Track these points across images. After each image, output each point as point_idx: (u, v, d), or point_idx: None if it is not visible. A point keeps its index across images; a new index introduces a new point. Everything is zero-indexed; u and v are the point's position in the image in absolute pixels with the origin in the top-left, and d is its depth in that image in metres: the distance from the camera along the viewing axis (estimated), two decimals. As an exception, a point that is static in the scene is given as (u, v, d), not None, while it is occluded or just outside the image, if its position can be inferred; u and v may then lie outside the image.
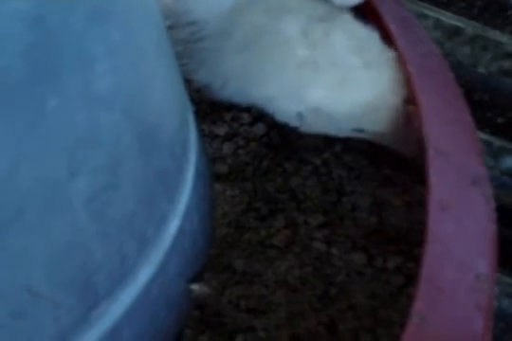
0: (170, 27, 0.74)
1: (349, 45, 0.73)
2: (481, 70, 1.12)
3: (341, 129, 0.76)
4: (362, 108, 0.73)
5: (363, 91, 0.74)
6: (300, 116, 0.75)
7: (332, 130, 0.77)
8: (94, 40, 0.43)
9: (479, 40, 1.14)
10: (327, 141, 0.85)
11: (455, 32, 1.15)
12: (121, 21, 0.47)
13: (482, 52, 1.14)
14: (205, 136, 0.84)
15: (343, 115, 0.74)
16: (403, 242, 0.74)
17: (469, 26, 1.14)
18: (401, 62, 0.75)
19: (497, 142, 1.04)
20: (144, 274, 0.55)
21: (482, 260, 0.60)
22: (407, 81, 0.74)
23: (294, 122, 0.77)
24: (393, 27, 0.79)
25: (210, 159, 0.79)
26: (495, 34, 1.15)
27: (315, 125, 0.76)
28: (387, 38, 0.79)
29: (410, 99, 0.73)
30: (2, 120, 0.37)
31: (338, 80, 0.73)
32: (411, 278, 0.69)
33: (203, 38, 0.76)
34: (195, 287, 0.66)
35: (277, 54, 0.73)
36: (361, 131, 0.76)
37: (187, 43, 0.76)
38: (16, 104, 0.38)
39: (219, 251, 0.74)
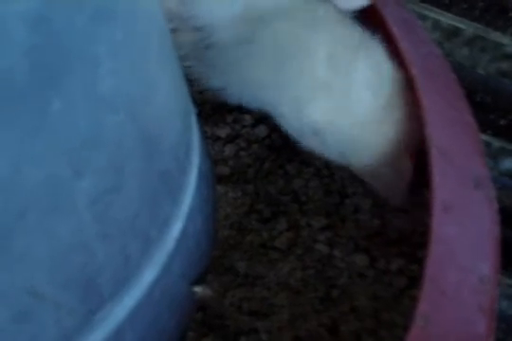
0: (173, 30, 0.74)
1: (368, 80, 0.73)
2: (479, 71, 1.12)
3: (332, 155, 0.77)
4: (354, 142, 0.74)
5: (364, 128, 0.74)
6: (301, 131, 0.76)
7: (327, 154, 0.77)
8: (97, 41, 0.43)
9: (478, 41, 1.14)
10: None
11: (454, 33, 1.15)
12: (125, 22, 0.47)
13: (480, 53, 1.13)
14: (207, 138, 0.84)
15: (336, 142, 0.74)
16: (405, 243, 0.74)
17: (471, 28, 1.14)
18: (404, 64, 0.75)
19: (496, 143, 1.04)
20: (148, 276, 0.55)
21: (485, 262, 0.59)
22: (410, 83, 0.74)
23: (297, 137, 0.77)
24: (395, 30, 0.79)
25: (212, 161, 0.79)
26: (496, 36, 1.15)
27: (313, 144, 0.76)
28: (390, 40, 0.79)
29: (410, 154, 0.73)
30: (5, 122, 0.37)
31: (342, 109, 0.73)
32: (414, 280, 0.69)
33: (213, 44, 0.76)
34: (198, 289, 0.66)
35: (297, 68, 0.73)
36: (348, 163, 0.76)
37: (194, 46, 0.76)
38: (20, 106, 0.38)
39: (221, 253, 0.74)
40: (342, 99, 0.73)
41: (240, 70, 0.76)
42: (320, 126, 0.73)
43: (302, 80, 0.73)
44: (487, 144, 1.03)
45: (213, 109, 0.89)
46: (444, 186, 0.64)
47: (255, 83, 0.76)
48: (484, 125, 1.03)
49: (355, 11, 0.80)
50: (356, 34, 0.76)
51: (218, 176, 0.81)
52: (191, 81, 0.75)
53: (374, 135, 0.73)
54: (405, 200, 0.75)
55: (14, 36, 0.36)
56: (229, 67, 0.76)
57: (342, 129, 0.73)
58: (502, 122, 1.05)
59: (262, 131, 0.87)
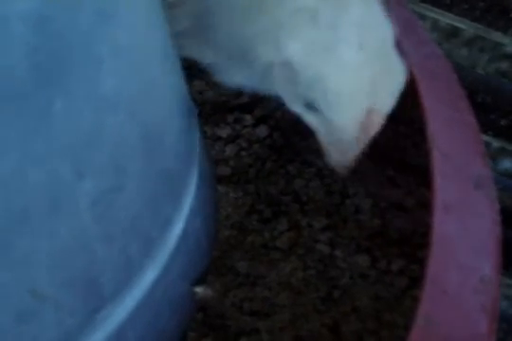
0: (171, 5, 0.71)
1: (360, 20, 0.67)
2: (478, 72, 1.12)
3: (296, 97, 0.69)
4: (326, 84, 0.66)
5: (340, 69, 0.67)
6: (269, 66, 0.69)
7: (287, 95, 0.70)
8: (99, 41, 0.43)
9: (477, 41, 1.14)
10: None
11: (453, 34, 1.15)
12: (126, 22, 0.47)
13: (479, 54, 1.13)
14: (207, 138, 0.84)
15: (307, 80, 0.67)
16: (407, 244, 0.74)
17: (471, 28, 1.14)
18: (406, 64, 0.74)
19: (495, 144, 1.04)
20: (149, 276, 0.55)
21: (486, 262, 0.59)
22: (411, 84, 0.73)
23: (265, 74, 0.70)
24: (396, 30, 0.79)
25: (213, 161, 0.79)
26: (497, 36, 1.15)
27: (278, 83, 0.71)
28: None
29: (369, 110, 0.66)
30: (8, 122, 0.37)
31: (324, 44, 0.66)
32: (415, 281, 0.69)
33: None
34: (199, 289, 0.66)
35: None
36: (312, 108, 0.68)
37: (190, 21, 0.74)
38: (22, 106, 0.38)
39: (222, 253, 0.74)
40: (327, 34, 0.66)
41: (225, 25, 0.72)
42: (296, 58, 0.67)
43: (286, 3, 0.67)
44: (487, 144, 1.03)
45: (214, 109, 0.89)
46: (445, 186, 0.64)
47: (233, 17, 0.72)
48: (485, 125, 1.03)
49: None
50: None
51: (219, 176, 0.81)
52: (185, 61, 0.73)
53: (352, 84, 0.66)
54: (351, 171, 0.70)
55: (16, 36, 0.36)
56: (217, 28, 0.73)
57: (319, 67, 0.66)
58: (503, 122, 1.05)
59: (263, 131, 0.87)
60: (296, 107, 0.70)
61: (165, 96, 0.55)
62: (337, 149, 0.69)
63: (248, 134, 0.87)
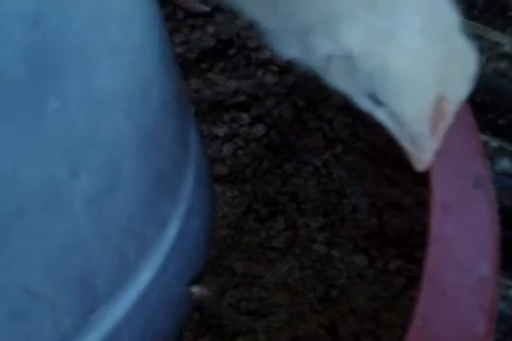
0: None
1: (417, 6, 0.63)
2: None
3: (359, 91, 0.65)
4: (389, 72, 0.62)
5: (401, 55, 0.62)
6: (328, 59, 0.65)
7: (349, 89, 0.66)
8: (94, 40, 0.43)
9: (475, 41, 1.14)
10: (327, 142, 0.84)
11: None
12: (121, 22, 0.46)
13: (477, 53, 1.13)
14: (204, 137, 0.84)
15: (369, 70, 0.63)
16: (404, 243, 0.74)
17: (470, 27, 1.14)
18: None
19: (493, 143, 1.04)
20: (144, 276, 0.55)
21: (484, 262, 0.59)
22: None
23: (320, 65, 0.67)
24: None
25: (209, 160, 0.79)
26: (495, 35, 1.14)
27: (338, 76, 0.66)
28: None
29: (440, 99, 0.64)
30: (3, 121, 0.37)
31: (384, 31, 0.62)
32: (413, 281, 0.69)
33: None
34: (195, 289, 0.65)
35: None
36: (377, 101, 0.64)
37: None
38: (17, 104, 0.37)
39: (218, 253, 0.73)
40: (387, 20, 0.62)
41: None
42: (356, 48, 0.62)
43: None
44: (485, 144, 1.03)
45: (210, 108, 0.88)
46: (443, 185, 0.63)
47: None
48: (483, 125, 1.03)
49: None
50: None
51: (216, 176, 0.81)
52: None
53: (416, 70, 0.62)
54: (430, 166, 0.64)
55: (11, 35, 0.36)
56: None
57: (380, 55, 0.62)
58: (501, 122, 1.05)
59: (259, 130, 0.86)
60: (360, 101, 0.66)
61: (161, 95, 0.54)
62: (411, 143, 0.64)
63: (245, 133, 0.86)
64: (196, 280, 0.66)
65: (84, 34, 0.42)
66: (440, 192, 0.63)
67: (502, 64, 1.12)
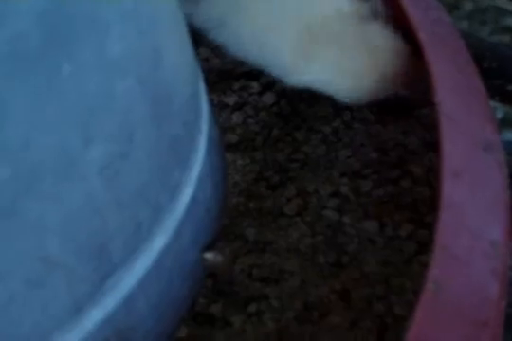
0: None
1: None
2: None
3: None
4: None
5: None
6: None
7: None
8: (107, 6, 0.43)
9: (477, 14, 1.13)
10: (336, 110, 0.84)
11: (454, 7, 1.14)
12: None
13: (480, 26, 1.13)
14: (214, 106, 0.84)
15: None
16: (415, 209, 0.74)
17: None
18: (412, 29, 0.74)
19: (498, 115, 1.04)
20: (158, 242, 0.55)
21: (496, 227, 0.59)
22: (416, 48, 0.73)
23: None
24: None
25: (220, 128, 0.79)
26: (503, 2, 1.14)
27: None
28: (397, 6, 0.78)
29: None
30: (17, 87, 0.37)
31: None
32: (424, 246, 0.69)
33: None
34: (209, 255, 0.66)
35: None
36: None
37: None
38: (31, 70, 0.37)
39: (230, 220, 0.74)
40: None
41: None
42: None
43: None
44: (494, 110, 1.03)
45: (220, 76, 0.88)
46: (453, 151, 0.63)
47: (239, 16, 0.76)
48: (492, 91, 1.03)
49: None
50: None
51: (226, 144, 0.81)
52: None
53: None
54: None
55: (25, 1, 0.36)
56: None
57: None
58: (510, 88, 1.05)
59: (269, 98, 0.86)
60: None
61: (173, 61, 0.55)
62: None
63: (255, 102, 0.86)
64: (209, 247, 0.66)
65: (97, 0, 0.42)
66: (450, 159, 0.63)
67: (506, 38, 1.12)
